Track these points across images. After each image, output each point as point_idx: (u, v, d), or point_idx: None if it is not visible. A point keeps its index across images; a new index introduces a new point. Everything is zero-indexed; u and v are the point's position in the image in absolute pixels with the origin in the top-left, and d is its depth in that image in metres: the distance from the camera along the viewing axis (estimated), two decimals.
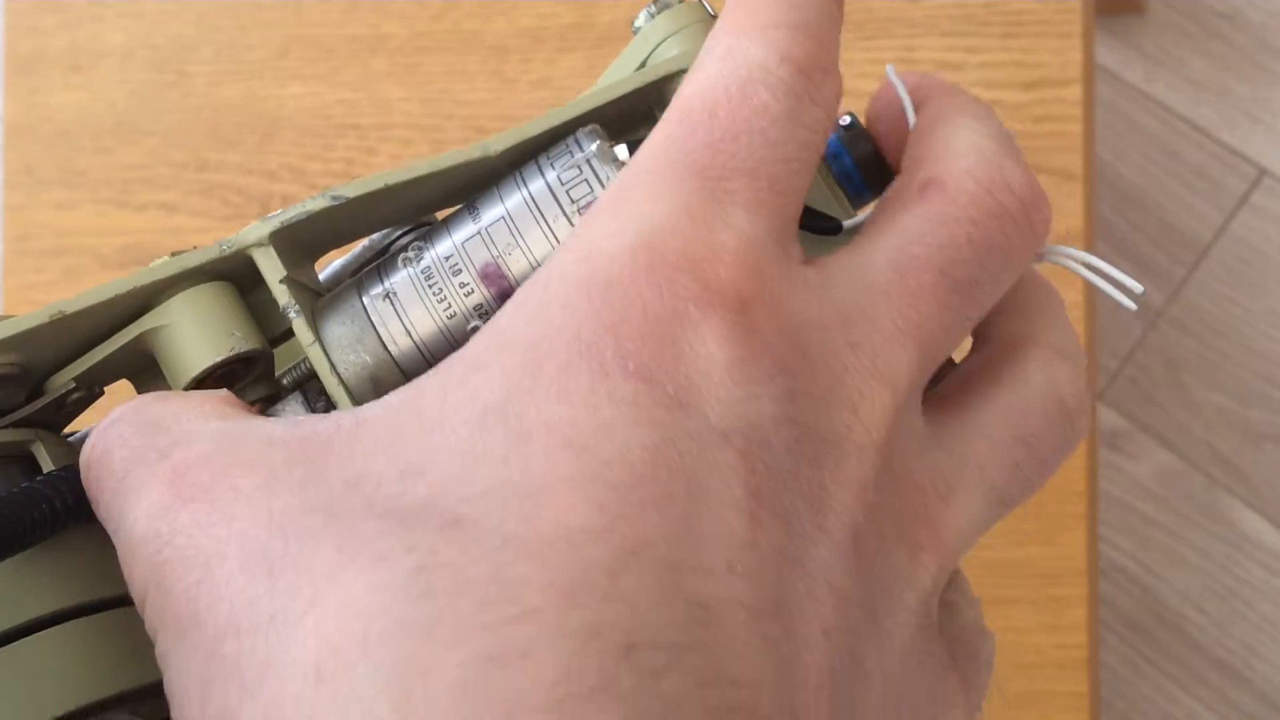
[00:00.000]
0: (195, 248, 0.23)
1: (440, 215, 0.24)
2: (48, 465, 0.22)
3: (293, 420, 0.19)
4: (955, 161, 0.20)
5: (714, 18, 0.24)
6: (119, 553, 0.19)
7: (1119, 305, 0.21)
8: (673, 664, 0.15)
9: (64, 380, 0.23)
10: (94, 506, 0.20)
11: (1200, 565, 1.06)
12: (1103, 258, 0.24)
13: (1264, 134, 1.08)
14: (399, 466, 0.17)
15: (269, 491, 0.18)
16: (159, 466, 0.19)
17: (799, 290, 0.18)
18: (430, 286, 0.22)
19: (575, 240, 0.19)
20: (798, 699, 0.16)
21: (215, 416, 0.20)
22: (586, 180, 0.21)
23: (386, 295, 0.22)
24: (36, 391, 0.23)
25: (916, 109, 0.22)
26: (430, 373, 0.19)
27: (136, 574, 0.19)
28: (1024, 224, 0.20)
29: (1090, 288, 0.56)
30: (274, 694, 0.16)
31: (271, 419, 0.20)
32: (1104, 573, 1.06)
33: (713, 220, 0.18)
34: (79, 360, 0.23)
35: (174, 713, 0.18)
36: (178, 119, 0.69)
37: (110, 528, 0.20)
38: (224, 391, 0.21)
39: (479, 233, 0.22)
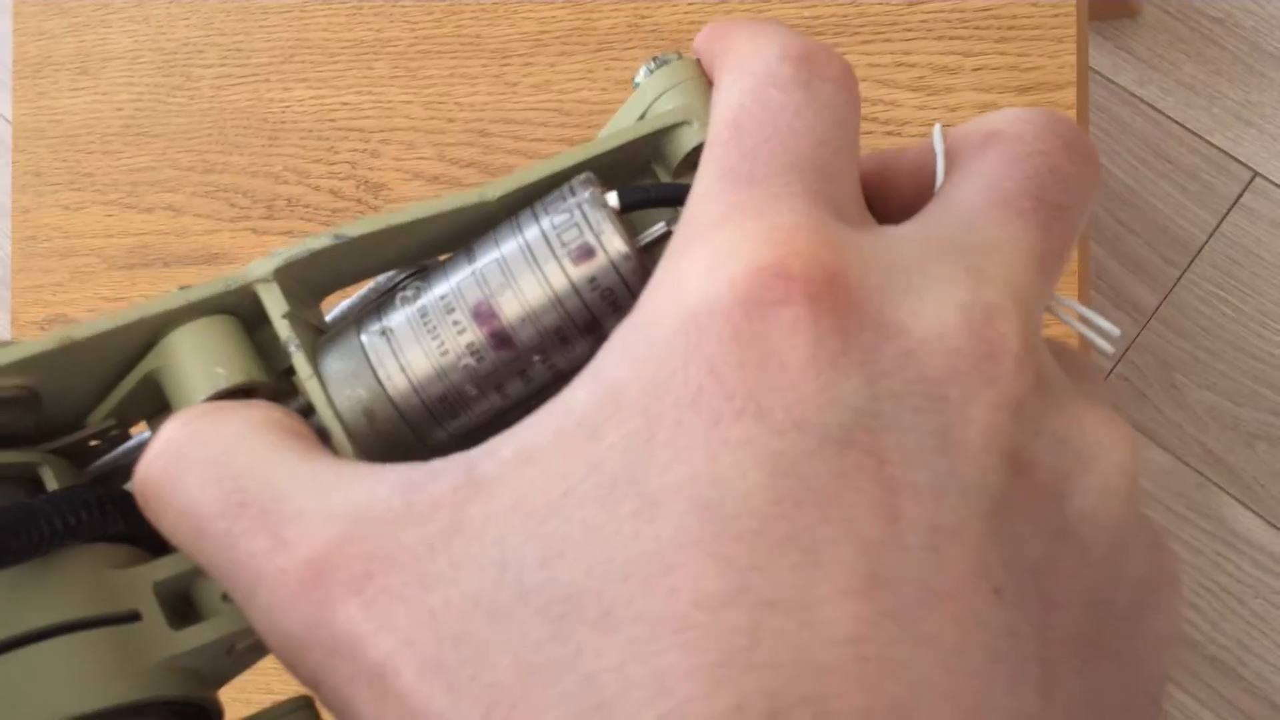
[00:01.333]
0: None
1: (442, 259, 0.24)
2: (53, 485, 0.23)
3: (401, 481, 0.18)
4: (1005, 114, 0.21)
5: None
6: (252, 617, 0.19)
7: (1106, 332, 0.22)
8: (825, 710, 0.15)
9: (100, 417, 0.24)
10: (167, 534, 0.20)
11: (1193, 562, 1.06)
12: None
13: (1255, 137, 1.08)
14: (538, 551, 0.16)
15: (422, 588, 0.17)
16: (280, 557, 0.18)
17: (883, 248, 0.18)
18: (425, 325, 0.22)
19: (663, 281, 0.18)
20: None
21: (302, 460, 0.19)
22: (578, 225, 0.22)
23: (383, 333, 0.22)
24: (49, 419, 0.24)
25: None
26: (538, 427, 0.18)
27: (298, 668, 0.18)
28: (1085, 153, 0.20)
29: (1083, 289, 0.57)
30: None
31: (374, 477, 0.19)
32: None
33: (774, 220, 0.18)
34: (99, 407, 0.24)
35: None
36: (184, 122, 0.69)
37: (218, 576, 0.19)
38: (275, 408, 0.21)
39: (473, 273, 0.22)
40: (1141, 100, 1.10)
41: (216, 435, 0.20)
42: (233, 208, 0.69)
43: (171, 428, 0.20)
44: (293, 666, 0.18)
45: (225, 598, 0.23)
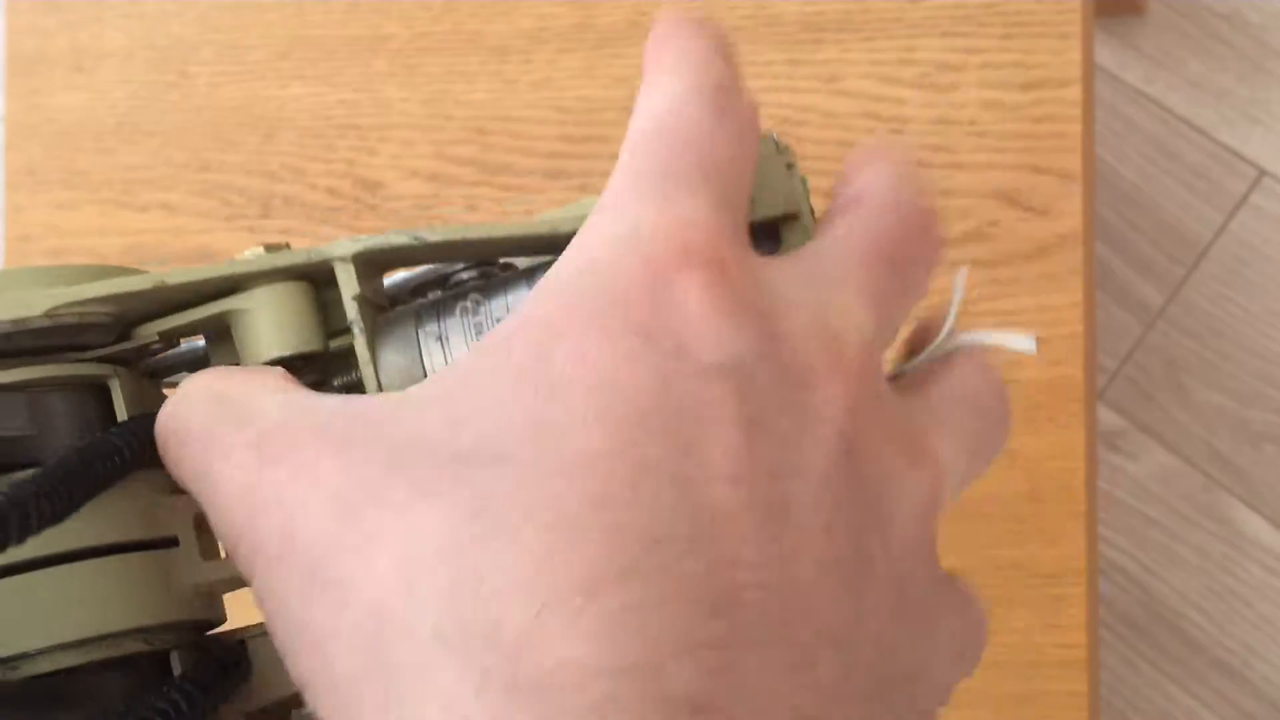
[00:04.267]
0: (288, 245, 0.27)
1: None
2: (119, 397, 0.26)
3: (345, 398, 0.23)
4: (874, 183, 0.25)
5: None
6: (206, 509, 0.23)
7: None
8: (689, 552, 0.19)
9: (150, 332, 0.27)
10: (171, 466, 0.24)
11: (1199, 565, 1.06)
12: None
13: (1263, 135, 1.08)
14: (449, 420, 0.21)
15: (341, 451, 0.21)
16: (239, 435, 0.22)
17: (762, 264, 0.22)
18: (478, 338, 0.25)
19: (579, 241, 0.23)
20: (801, 576, 0.20)
21: (279, 390, 0.23)
22: None
23: (439, 338, 0.26)
24: (124, 335, 0.27)
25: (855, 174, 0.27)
26: (466, 354, 0.23)
27: (227, 525, 0.22)
28: (931, 223, 0.25)
29: (1089, 288, 0.56)
30: (368, 600, 0.20)
31: (327, 395, 0.23)
32: (1103, 572, 1.06)
33: (682, 206, 0.22)
34: (167, 318, 0.27)
35: (275, 636, 0.22)
36: (179, 120, 0.69)
37: (193, 487, 0.23)
38: (279, 370, 0.25)
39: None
40: (1148, 98, 1.10)
41: (224, 379, 0.24)
42: (228, 206, 0.69)
43: (192, 380, 0.24)
44: (219, 520, 0.22)
45: None
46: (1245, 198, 1.07)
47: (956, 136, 0.57)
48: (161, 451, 0.24)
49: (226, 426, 0.23)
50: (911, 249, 0.25)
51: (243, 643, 0.27)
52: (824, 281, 0.23)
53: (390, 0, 0.67)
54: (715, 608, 0.19)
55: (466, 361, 0.22)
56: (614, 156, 0.66)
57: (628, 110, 0.67)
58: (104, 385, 0.26)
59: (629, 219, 0.22)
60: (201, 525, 0.26)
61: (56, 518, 0.22)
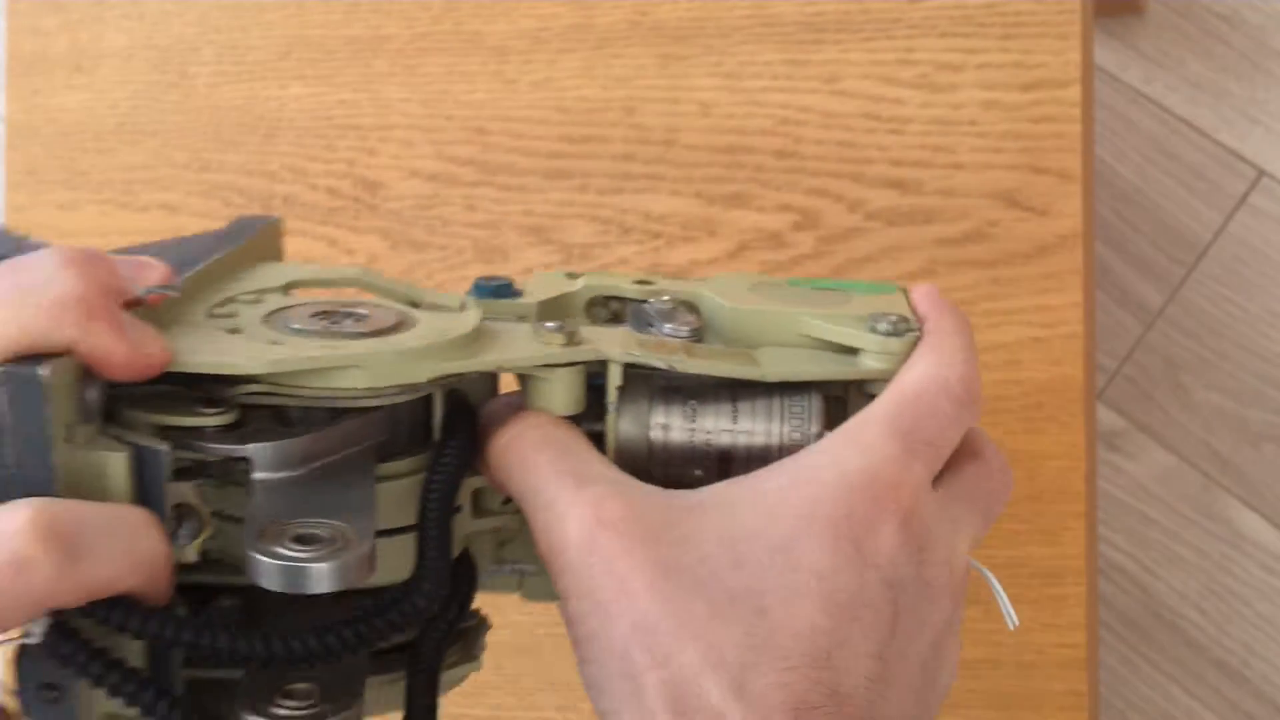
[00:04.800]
0: (580, 274, 0.41)
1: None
2: (437, 407, 0.35)
3: (658, 490, 0.34)
4: (981, 441, 0.37)
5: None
6: (531, 520, 0.34)
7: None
8: (852, 697, 0.32)
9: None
10: (500, 479, 0.35)
11: (1198, 564, 1.06)
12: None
13: (1262, 135, 1.08)
14: (732, 558, 0.32)
15: (654, 540, 0.32)
16: (580, 492, 0.33)
17: (927, 501, 0.34)
18: (691, 435, 0.36)
19: (829, 452, 0.34)
20: (904, 660, 0.33)
21: (605, 464, 0.35)
22: (801, 434, 0.36)
23: (664, 427, 0.36)
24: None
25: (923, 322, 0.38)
26: (742, 488, 0.34)
27: (560, 554, 0.33)
28: (965, 404, 0.36)
29: (1088, 288, 0.56)
30: (667, 678, 0.31)
31: (639, 484, 0.34)
32: (1102, 572, 1.06)
33: (906, 467, 0.34)
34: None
35: (576, 646, 0.33)
36: (179, 120, 0.69)
37: (522, 501, 0.34)
38: (579, 430, 0.36)
39: (732, 431, 0.36)
40: (1147, 98, 1.10)
41: (554, 428, 0.35)
42: (229, 206, 0.69)
43: (527, 420, 0.35)
44: (552, 543, 0.33)
45: (506, 502, 0.37)
46: (1244, 198, 1.08)
47: (956, 136, 0.57)
48: (495, 465, 0.35)
49: (569, 479, 0.33)
50: (1000, 509, 0.37)
51: None
52: (953, 524, 0.35)
53: (390, 0, 0.67)
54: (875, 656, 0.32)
55: (743, 500, 0.33)
56: (614, 156, 0.66)
57: (628, 110, 0.67)
58: (429, 397, 0.35)
59: (870, 457, 0.33)
60: (476, 496, 0.37)
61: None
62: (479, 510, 0.37)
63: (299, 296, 0.38)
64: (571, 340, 0.35)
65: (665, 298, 0.39)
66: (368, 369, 0.33)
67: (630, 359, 0.35)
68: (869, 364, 0.36)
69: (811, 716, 0.30)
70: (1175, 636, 1.06)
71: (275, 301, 0.36)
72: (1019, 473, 0.55)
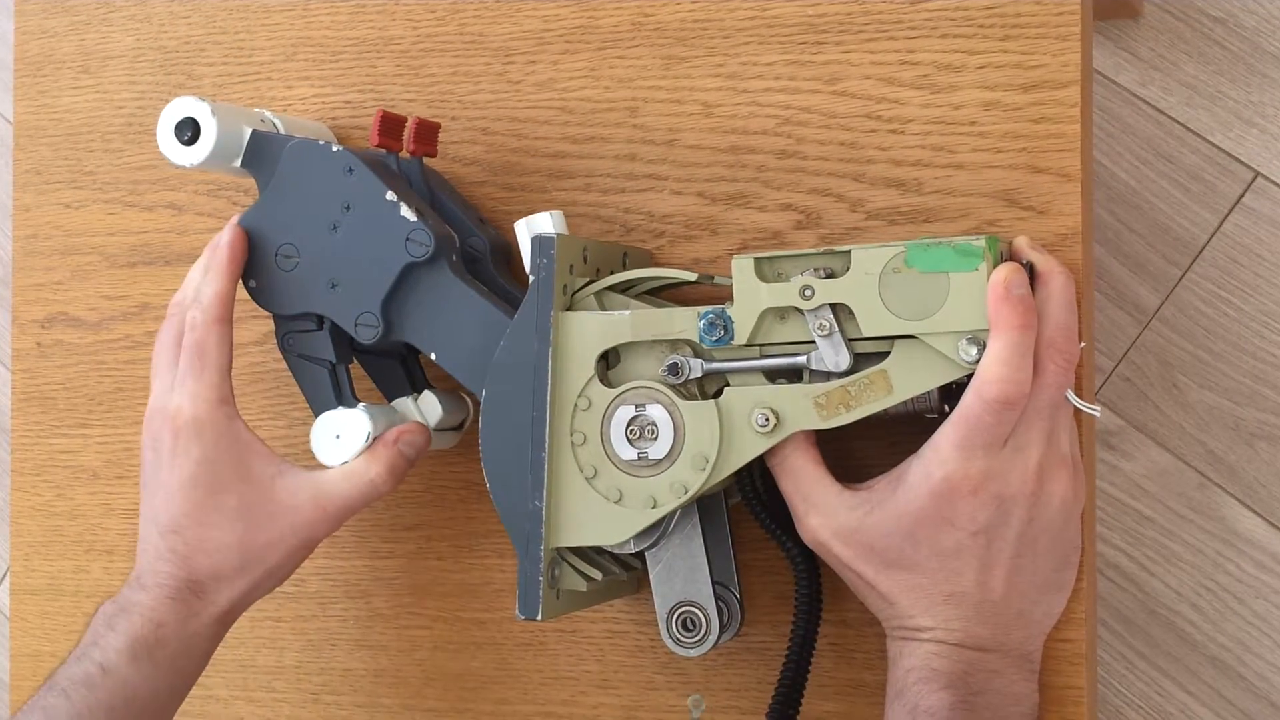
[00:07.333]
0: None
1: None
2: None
3: (857, 503, 0.53)
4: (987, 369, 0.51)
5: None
6: (803, 515, 0.54)
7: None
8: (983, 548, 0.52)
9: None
10: (775, 473, 0.54)
11: (1193, 562, 1.07)
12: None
13: (1257, 137, 1.09)
14: (891, 538, 0.52)
15: (864, 559, 0.53)
16: (813, 518, 0.53)
17: (996, 463, 0.51)
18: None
19: (943, 448, 0.51)
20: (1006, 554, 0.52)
21: (836, 495, 0.53)
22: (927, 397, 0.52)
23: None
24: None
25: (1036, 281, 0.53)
26: (900, 486, 0.52)
27: (825, 555, 0.54)
28: (1005, 404, 0.50)
29: (1087, 287, 0.57)
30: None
31: (848, 501, 0.53)
32: (1099, 570, 1.07)
33: (987, 464, 0.50)
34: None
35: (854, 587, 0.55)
36: None
37: (787, 494, 0.54)
38: (834, 485, 0.54)
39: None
40: (1143, 100, 1.11)
41: (807, 452, 0.54)
42: (234, 206, 0.69)
43: (797, 443, 0.54)
44: (822, 540, 0.53)
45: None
46: (1239, 199, 1.08)
47: (957, 136, 0.57)
48: (773, 468, 0.54)
49: (810, 502, 0.53)
50: (1070, 351, 0.52)
51: None
52: (1020, 453, 0.51)
53: (395, 2, 0.67)
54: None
55: (901, 492, 0.52)
56: (616, 156, 0.66)
57: (630, 110, 0.67)
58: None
59: (950, 466, 0.50)
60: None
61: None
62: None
63: None
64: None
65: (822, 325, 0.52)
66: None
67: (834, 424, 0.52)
68: (961, 370, 0.51)
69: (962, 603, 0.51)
70: (1171, 634, 1.06)
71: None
72: None
